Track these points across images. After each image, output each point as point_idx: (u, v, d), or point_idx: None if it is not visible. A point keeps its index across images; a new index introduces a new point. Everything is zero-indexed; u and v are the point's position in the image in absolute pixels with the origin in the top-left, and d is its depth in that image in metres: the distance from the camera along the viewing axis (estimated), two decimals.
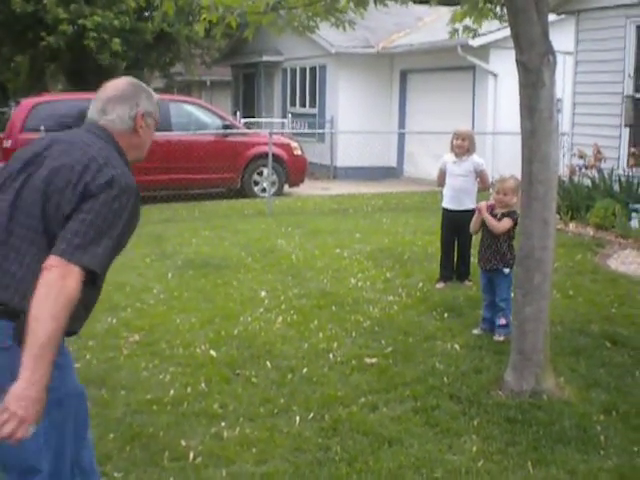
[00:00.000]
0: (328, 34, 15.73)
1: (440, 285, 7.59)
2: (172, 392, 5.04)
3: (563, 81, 16.09)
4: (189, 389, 5.10)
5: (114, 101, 2.87)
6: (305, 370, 5.41)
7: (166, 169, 13.91)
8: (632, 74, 11.07)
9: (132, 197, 2.69)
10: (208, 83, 29.64)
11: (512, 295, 5.68)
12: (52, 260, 2.48)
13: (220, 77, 28.35)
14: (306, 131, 19.35)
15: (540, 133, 4.64)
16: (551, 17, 6.39)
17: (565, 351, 5.65)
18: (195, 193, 14.70)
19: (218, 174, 14.72)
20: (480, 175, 7.56)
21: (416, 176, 18.35)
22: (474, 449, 4.22)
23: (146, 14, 19.47)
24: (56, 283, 2.43)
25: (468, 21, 6.48)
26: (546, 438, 4.32)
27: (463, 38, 15.27)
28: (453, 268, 7.75)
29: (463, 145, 7.45)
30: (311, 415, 4.68)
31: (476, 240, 6.77)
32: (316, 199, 14.91)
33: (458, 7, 6.53)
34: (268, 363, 5.55)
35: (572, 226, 10.54)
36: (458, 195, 7.54)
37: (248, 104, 24.72)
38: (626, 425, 4.50)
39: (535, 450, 4.20)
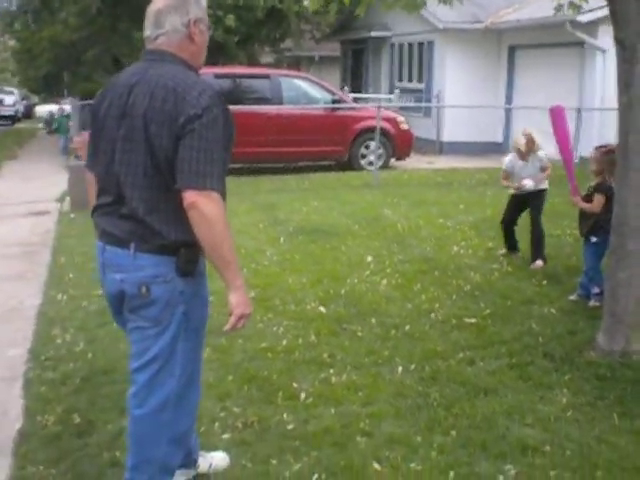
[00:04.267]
0: (436, 10, 15.87)
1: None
2: (284, 342, 5.51)
3: None
4: (300, 340, 5.56)
5: (165, 12, 3.00)
6: (408, 327, 5.81)
7: (277, 142, 14.46)
8: None
9: (224, 107, 2.91)
10: (317, 58, 30.08)
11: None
12: (190, 195, 2.81)
13: (329, 52, 28.75)
14: (412, 105, 19.54)
15: (636, 107, 4.87)
16: None
17: None
18: (304, 165, 15.21)
19: (327, 147, 15.19)
20: (543, 170, 7.65)
21: None
22: (564, 401, 4.53)
23: None
24: (207, 216, 2.82)
25: None
26: (633, 394, 4.59)
27: (572, 14, 15.25)
28: (516, 240, 7.95)
29: (521, 145, 7.57)
30: (412, 366, 5.07)
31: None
32: (421, 172, 15.22)
33: None
34: (373, 320, 5.97)
35: None
36: (530, 175, 7.66)
37: (356, 79, 25.06)
38: None
39: (621, 404, 4.48)
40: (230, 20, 19.01)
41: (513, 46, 19.21)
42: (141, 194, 2.94)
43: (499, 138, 19.65)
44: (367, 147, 15.63)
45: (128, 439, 3.27)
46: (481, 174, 14.66)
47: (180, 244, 2.96)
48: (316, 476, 3.71)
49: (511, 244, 7.95)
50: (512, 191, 7.88)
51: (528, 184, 7.57)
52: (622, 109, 4.95)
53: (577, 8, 6.71)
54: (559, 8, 6.83)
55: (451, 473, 3.73)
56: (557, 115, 6.45)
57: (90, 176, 3.23)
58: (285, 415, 4.38)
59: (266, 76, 15.14)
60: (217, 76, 14.44)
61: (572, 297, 6.45)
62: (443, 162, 17.32)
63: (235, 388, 4.74)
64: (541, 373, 4.95)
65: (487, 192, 12.13)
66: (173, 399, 3.15)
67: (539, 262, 7.62)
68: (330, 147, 15.25)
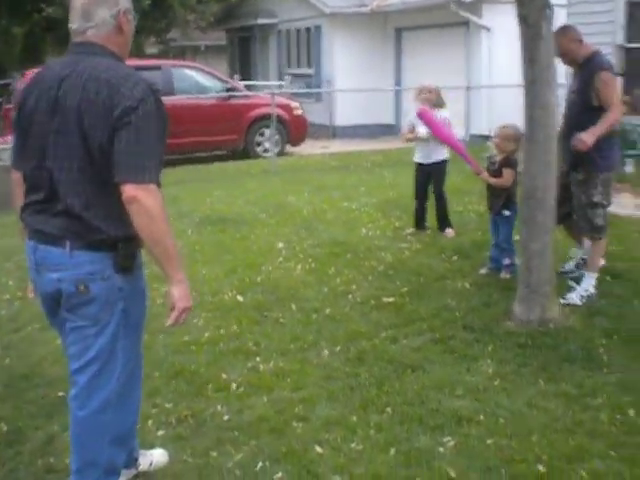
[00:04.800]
0: None
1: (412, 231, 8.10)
2: (207, 334, 5.45)
3: None
4: (222, 330, 5.52)
5: (94, 4, 2.94)
6: (328, 310, 5.84)
7: (172, 133, 14.19)
8: (623, 24, 11.39)
9: (157, 98, 2.89)
10: (202, 48, 29.78)
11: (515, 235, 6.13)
12: (130, 189, 2.77)
13: (214, 42, 28.51)
14: (303, 91, 19.59)
15: (540, 82, 5.02)
16: None
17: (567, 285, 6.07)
18: (200, 156, 15.06)
19: (222, 136, 15.08)
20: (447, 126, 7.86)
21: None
22: (490, 371, 4.65)
23: None
24: (148, 209, 2.78)
25: None
26: (554, 359, 4.75)
27: None
28: (425, 218, 8.17)
29: (431, 98, 7.78)
30: (338, 348, 5.10)
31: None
32: (317, 157, 15.30)
33: None
34: (293, 305, 5.97)
35: None
36: (429, 148, 7.90)
37: (244, 67, 24.94)
38: (626, 347, 4.93)
39: (545, 370, 4.63)
40: None
41: (399, 28, 19.48)
42: (77, 189, 2.86)
43: (390, 120, 19.92)
44: (262, 134, 15.62)
45: (71, 442, 3.18)
46: (376, 156, 14.85)
47: (118, 239, 2.90)
48: (260, 464, 3.70)
49: (421, 220, 8.09)
50: (416, 160, 8.08)
51: (422, 132, 7.75)
52: (527, 85, 5.09)
53: None
54: None
55: (392, 450, 3.78)
56: (424, 117, 6.75)
57: (17, 175, 3.11)
58: (219, 407, 4.35)
59: (157, 67, 14.88)
60: None
61: (482, 271, 6.61)
62: (337, 146, 17.45)
63: (163, 384, 4.67)
64: (464, 346, 5.06)
65: (385, 173, 12.30)
66: (114, 399, 3.08)
67: (449, 230, 7.87)
68: (225, 136, 15.15)
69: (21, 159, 3.04)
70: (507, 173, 6.30)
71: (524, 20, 4.94)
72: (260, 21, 22.41)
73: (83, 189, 2.86)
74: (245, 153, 15.49)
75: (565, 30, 5.70)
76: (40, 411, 4.38)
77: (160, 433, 4.08)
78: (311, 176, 12.47)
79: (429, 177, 8.06)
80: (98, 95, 2.80)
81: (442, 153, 7.92)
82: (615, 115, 5.50)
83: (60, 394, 4.49)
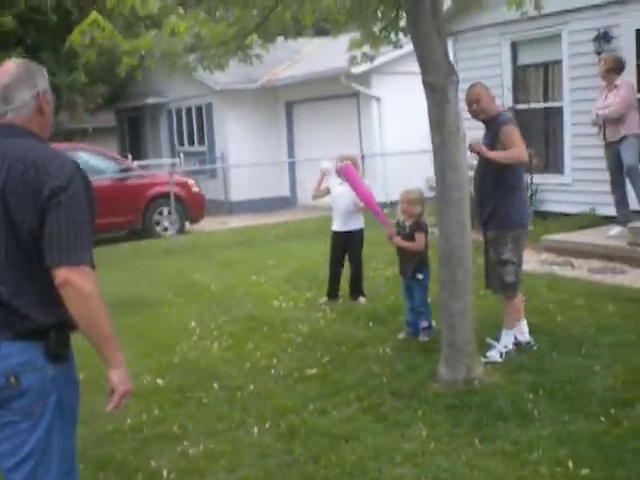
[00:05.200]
0: (210, 74, 16.07)
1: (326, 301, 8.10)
2: (129, 421, 5.23)
3: None
4: (144, 416, 5.31)
5: (13, 87, 2.87)
6: (252, 386, 5.72)
7: None
8: (510, 87, 11.89)
9: (85, 177, 2.82)
10: (90, 130, 29.44)
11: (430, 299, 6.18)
12: (63, 272, 2.66)
13: (102, 123, 28.25)
14: (198, 168, 19.56)
15: (449, 144, 5.13)
16: None
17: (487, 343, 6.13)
18: (97, 239, 14.78)
19: (120, 217, 14.83)
20: None
21: (310, 203, 18.81)
22: (424, 434, 4.62)
23: None
24: (83, 292, 2.68)
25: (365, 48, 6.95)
26: (486, 418, 4.76)
27: (345, 67, 15.92)
28: (339, 286, 8.19)
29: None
30: (267, 425, 4.99)
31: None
32: (218, 233, 15.22)
33: (355, 35, 7.02)
34: (215, 384, 5.82)
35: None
36: (345, 216, 7.98)
37: (135, 147, 24.76)
38: (553, 399, 4.99)
39: (479, 429, 4.63)
40: None
41: (290, 102, 19.78)
42: (3, 276, 2.71)
43: (286, 192, 20.08)
44: (160, 213, 15.49)
45: None
46: (278, 229, 14.87)
47: (50, 326, 2.75)
48: None
49: (334, 289, 8.07)
50: (334, 228, 8.12)
51: (324, 165, 7.96)
52: (436, 148, 5.19)
53: (370, 58, 7.00)
54: (352, 60, 7.09)
55: None
56: (347, 172, 6.85)
57: None
58: None
59: None
60: None
61: (401, 335, 6.62)
62: (236, 221, 17.41)
63: (89, 477, 4.43)
64: (394, 412, 5.03)
65: (290, 245, 12.33)
66: None
67: (362, 298, 7.91)
68: (123, 217, 14.94)
69: None
70: (419, 237, 6.38)
71: (431, 87, 5.06)
72: (150, 101, 22.38)
73: (11, 275, 2.73)
74: (144, 233, 15.28)
75: (485, 87, 5.86)
76: None
77: None
78: (215, 252, 12.36)
79: (346, 245, 8.05)
80: (24, 176, 2.70)
81: (359, 222, 7.98)
82: (519, 151, 5.64)
83: None
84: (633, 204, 9.34)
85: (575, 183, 11.04)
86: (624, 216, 9.31)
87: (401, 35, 6.74)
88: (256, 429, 4.94)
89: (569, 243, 9.56)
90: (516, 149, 5.61)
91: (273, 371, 6.04)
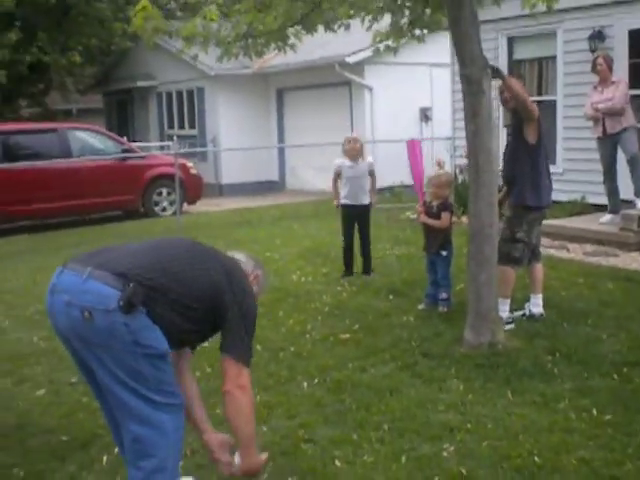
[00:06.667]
0: (204, 58, 16.49)
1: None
2: None
3: (431, 91, 17.57)
4: (198, 373, 5.81)
5: None
6: (292, 348, 6.27)
7: (69, 195, 14.44)
8: None
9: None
10: (74, 111, 29.65)
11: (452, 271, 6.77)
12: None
13: (89, 105, 28.45)
14: (193, 150, 19.97)
15: (483, 132, 5.72)
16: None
17: None
18: (99, 217, 15.22)
19: (120, 196, 15.30)
20: (371, 174, 8.59)
21: (299, 188, 19.44)
22: (460, 388, 5.21)
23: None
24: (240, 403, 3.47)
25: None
26: (513, 375, 5.37)
27: (339, 56, 16.45)
28: (353, 261, 8.71)
29: (356, 147, 8.47)
30: (315, 380, 5.53)
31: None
32: (217, 214, 15.72)
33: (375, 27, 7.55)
34: (258, 346, 6.32)
35: (465, 219, 11.78)
36: (356, 192, 8.52)
37: (122, 129, 25.04)
38: (569, 361, 5.62)
39: (508, 384, 5.23)
40: (2, 76, 18.60)
41: (280, 89, 20.27)
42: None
43: (275, 177, 20.60)
44: (160, 194, 15.95)
45: None
46: (273, 211, 15.39)
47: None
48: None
49: (349, 265, 8.62)
50: (343, 201, 8.60)
51: (337, 162, 8.52)
52: (470, 135, 5.77)
53: (393, 50, 7.56)
54: (377, 50, 7.64)
55: (402, 458, 4.25)
56: (413, 146, 7.36)
57: None
58: None
59: (53, 130, 15.02)
60: (1, 133, 14.27)
61: (420, 306, 7.21)
62: (230, 203, 17.88)
63: None
64: (428, 370, 5.61)
65: (291, 226, 12.83)
66: None
67: (372, 274, 8.50)
68: (123, 196, 15.39)
69: None
70: (445, 216, 6.97)
71: (467, 79, 5.64)
72: (139, 84, 22.71)
73: None
74: (143, 213, 15.75)
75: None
76: (51, 455, 4.55)
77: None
78: (220, 232, 12.83)
79: (356, 217, 8.55)
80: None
81: (367, 198, 8.52)
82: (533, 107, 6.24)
83: (64, 438, 4.73)
84: (623, 193, 10.03)
85: (566, 172, 11.72)
86: (616, 205, 10.00)
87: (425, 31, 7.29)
88: (305, 384, 5.48)
89: (563, 228, 10.22)
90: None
91: (308, 336, 6.59)
